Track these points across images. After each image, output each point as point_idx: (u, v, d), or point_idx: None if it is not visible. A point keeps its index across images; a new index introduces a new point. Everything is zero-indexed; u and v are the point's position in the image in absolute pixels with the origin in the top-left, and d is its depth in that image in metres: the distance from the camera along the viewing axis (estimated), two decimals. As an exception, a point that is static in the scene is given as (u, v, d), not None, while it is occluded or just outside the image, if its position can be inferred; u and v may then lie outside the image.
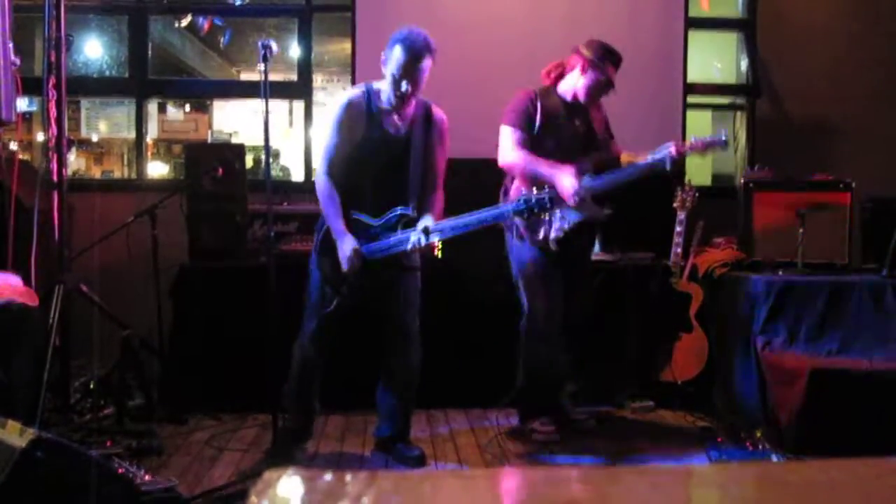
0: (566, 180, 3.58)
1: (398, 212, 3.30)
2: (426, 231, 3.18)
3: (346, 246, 3.23)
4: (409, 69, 3.22)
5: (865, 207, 4.62)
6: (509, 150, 3.69)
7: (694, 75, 5.21)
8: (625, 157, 3.87)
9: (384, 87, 3.34)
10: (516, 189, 3.69)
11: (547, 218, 3.63)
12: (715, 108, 5.80)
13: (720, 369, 4.24)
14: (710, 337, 4.27)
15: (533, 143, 3.72)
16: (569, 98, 3.80)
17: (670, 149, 3.69)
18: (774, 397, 3.68)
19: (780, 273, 4.10)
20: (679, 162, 3.76)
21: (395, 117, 3.36)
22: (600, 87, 3.75)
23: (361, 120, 3.33)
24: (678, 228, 4.19)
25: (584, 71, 3.73)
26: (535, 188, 3.21)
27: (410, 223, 3.28)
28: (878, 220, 4.53)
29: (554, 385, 3.89)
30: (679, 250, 4.21)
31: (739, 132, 5.50)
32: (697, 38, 5.32)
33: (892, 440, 3.35)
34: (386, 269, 3.32)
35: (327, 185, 3.31)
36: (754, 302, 3.96)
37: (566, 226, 3.68)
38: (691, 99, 5.21)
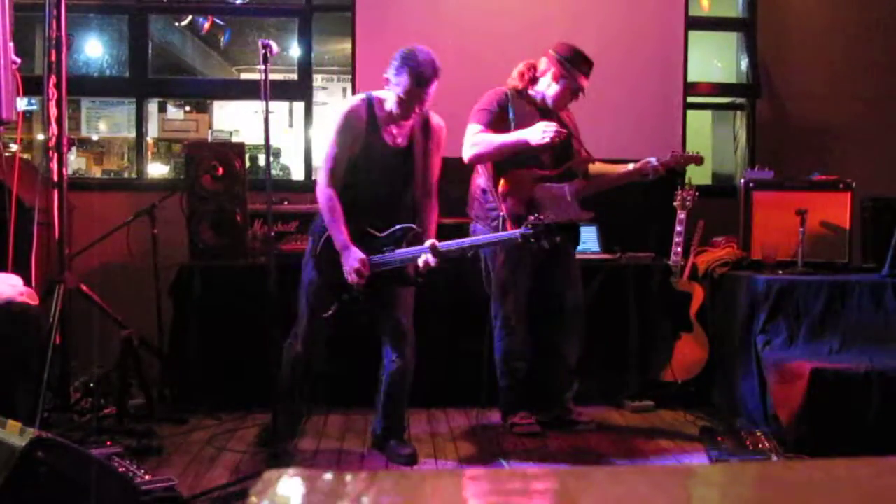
0: (537, 127, 3.57)
1: (404, 226, 3.31)
2: (434, 250, 3.21)
3: (353, 258, 3.23)
4: (417, 94, 3.26)
5: (865, 207, 4.62)
6: (470, 145, 3.71)
7: (694, 75, 5.21)
8: (598, 167, 3.92)
9: (386, 96, 3.35)
10: (493, 202, 3.74)
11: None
12: (715, 107, 5.80)
13: (720, 369, 4.24)
14: (711, 336, 4.27)
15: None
16: (540, 101, 3.83)
17: (652, 161, 3.77)
18: (774, 397, 3.68)
19: (780, 273, 4.10)
20: (659, 172, 3.80)
21: (395, 129, 3.38)
22: (569, 96, 3.80)
23: (361, 129, 3.34)
24: (678, 228, 4.19)
25: (555, 79, 3.76)
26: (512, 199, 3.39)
27: (416, 238, 3.30)
28: (878, 220, 4.53)
29: (527, 378, 3.91)
30: (679, 249, 4.21)
31: (739, 132, 5.50)
32: (697, 38, 5.31)
33: (892, 440, 3.35)
34: (388, 282, 3.33)
35: (329, 195, 3.29)
36: (754, 301, 3.96)
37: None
38: (691, 99, 5.20)
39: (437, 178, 3.49)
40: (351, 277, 3.23)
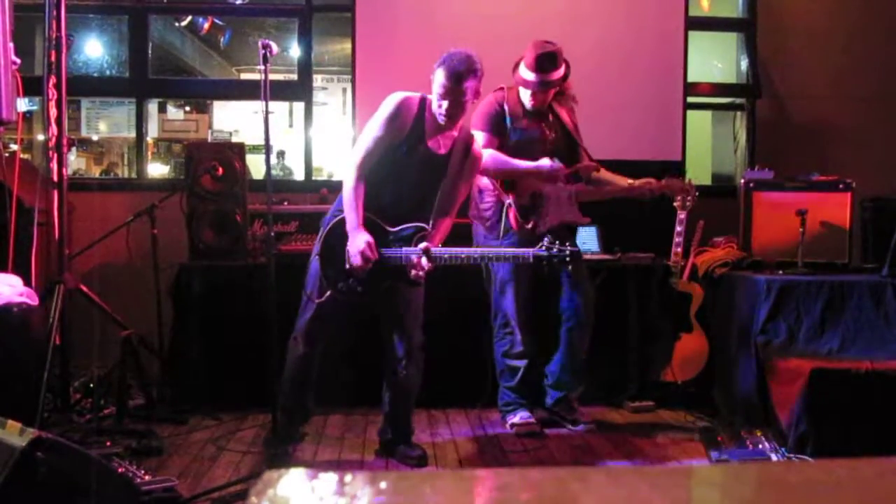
0: (545, 161, 3.64)
1: (417, 225, 3.27)
2: (427, 253, 3.17)
3: (360, 240, 3.17)
4: (451, 90, 3.20)
5: (865, 207, 4.61)
6: (486, 157, 3.68)
7: (694, 75, 5.21)
8: (603, 175, 3.91)
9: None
10: (489, 200, 3.78)
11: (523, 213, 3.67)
12: (715, 107, 5.80)
13: (720, 369, 4.24)
14: (710, 337, 4.27)
15: (504, 145, 3.76)
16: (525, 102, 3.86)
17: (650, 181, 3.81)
18: (774, 397, 3.68)
19: (780, 273, 4.10)
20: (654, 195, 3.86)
21: (440, 138, 3.33)
22: (539, 93, 3.77)
23: (409, 123, 3.28)
24: (678, 228, 4.18)
25: (519, 83, 3.80)
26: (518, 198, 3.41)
27: (424, 240, 3.25)
28: (878, 220, 4.53)
29: (528, 378, 3.91)
30: (679, 250, 4.21)
31: (739, 132, 5.50)
32: (697, 38, 5.31)
33: (892, 440, 3.35)
34: (389, 278, 3.28)
35: (355, 177, 3.23)
36: (754, 302, 3.96)
37: (543, 227, 3.69)
38: (691, 99, 5.20)
39: (460, 203, 3.43)
40: (355, 259, 3.17)
